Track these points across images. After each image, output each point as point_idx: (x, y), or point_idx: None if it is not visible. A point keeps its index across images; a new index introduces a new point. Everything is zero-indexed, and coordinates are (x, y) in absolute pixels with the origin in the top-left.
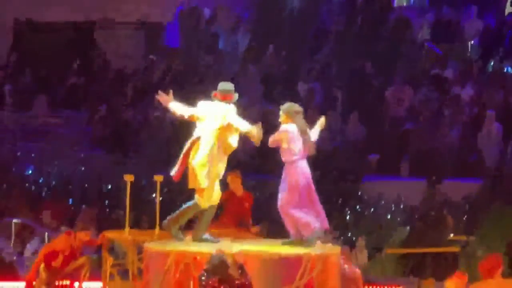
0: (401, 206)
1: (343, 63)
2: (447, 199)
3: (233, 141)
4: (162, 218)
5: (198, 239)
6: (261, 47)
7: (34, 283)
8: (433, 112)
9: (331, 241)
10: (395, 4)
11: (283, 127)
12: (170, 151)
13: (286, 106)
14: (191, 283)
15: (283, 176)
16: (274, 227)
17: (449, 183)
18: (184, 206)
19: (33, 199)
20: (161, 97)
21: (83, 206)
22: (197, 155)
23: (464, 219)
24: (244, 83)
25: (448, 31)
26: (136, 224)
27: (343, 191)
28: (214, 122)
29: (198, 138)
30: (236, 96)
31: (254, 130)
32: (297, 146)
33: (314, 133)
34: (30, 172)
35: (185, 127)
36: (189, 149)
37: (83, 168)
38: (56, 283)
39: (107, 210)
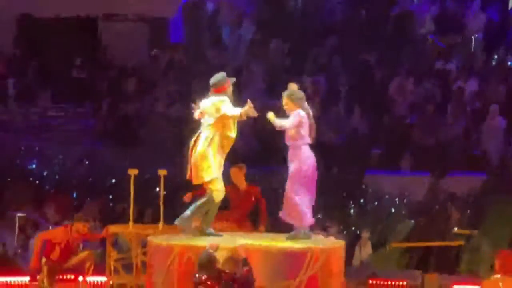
0: (405, 201)
1: (347, 56)
2: (451, 193)
3: (231, 131)
4: (166, 212)
5: (202, 233)
6: (265, 40)
7: (38, 277)
8: (437, 105)
9: (335, 235)
10: None
11: (297, 112)
12: (174, 145)
13: (291, 92)
14: None
15: (289, 160)
16: (278, 221)
17: (453, 177)
18: (197, 202)
19: (37, 193)
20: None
21: (87, 199)
22: (197, 150)
23: (468, 212)
24: (248, 77)
25: (452, 25)
26: (140, 218)
27: (346, 184)
28: (209, 117)
29: (199, 135)
30: (230, 81)
31: (243, 110)
32: (306, 130)
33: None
34: (33, 166)
35: (188, 122)
36: (192, 146)
37: (87, 162)
38: (60, 277)
39: (111, 204)
